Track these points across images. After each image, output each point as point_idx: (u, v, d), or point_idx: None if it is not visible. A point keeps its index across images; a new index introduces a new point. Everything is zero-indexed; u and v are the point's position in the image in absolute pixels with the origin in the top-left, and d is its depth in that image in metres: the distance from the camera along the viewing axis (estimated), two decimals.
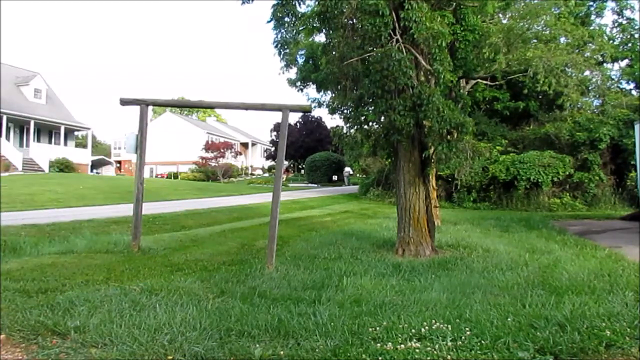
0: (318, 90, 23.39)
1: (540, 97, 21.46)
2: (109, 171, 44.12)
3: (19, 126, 33.21)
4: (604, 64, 21.45)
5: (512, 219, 14.09)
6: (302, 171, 46.12)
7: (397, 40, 7.48)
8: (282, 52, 12.77)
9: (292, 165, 50.66)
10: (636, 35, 22.65)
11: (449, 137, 7.99)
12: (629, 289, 5.17)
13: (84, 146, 39.91)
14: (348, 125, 9.25)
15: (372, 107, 8.37)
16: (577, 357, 3.42)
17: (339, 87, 9.36)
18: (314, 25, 9.72)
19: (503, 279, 6.01)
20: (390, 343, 3.57)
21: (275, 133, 47.62)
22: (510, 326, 3.89)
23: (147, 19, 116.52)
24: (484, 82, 17.77)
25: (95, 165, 42.08)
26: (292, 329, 3.86)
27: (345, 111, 10.50)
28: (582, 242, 9.49)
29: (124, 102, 8.51)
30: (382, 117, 8.23)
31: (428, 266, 7.02)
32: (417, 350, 3.45)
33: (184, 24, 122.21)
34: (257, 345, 3.52)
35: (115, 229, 10.23)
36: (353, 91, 8.66)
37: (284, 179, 38.81)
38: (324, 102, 23.78)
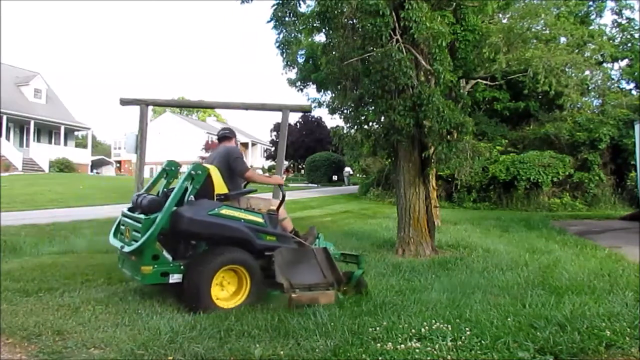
0: (318, 90, 23.31)
1: (540, 97, 21.42)
2: (109, 171, 44.13)
3: (19, 126, 33.20)
4: (604, 64, 21.45)
5: (512, 219, 14.08)
6: (302, 171, 46.05)
7: (397, 40, 7.47)
8: (285, 52, 12.72)
9: (292, 165, 50.61)
10: (636, 35, 22.66)
11: (449, 137, 7.99)
12: (629, 289, 5.18)
13: (84, 146, 39.90)
14: (348, 125, 9.25)
15: (372, 107, 8.37)
16: (577, 357, 3.42)
17: (339, 87, 9.34)
18: (314, 25, 9.71)
19: (503, 279, 6.01)
20: (390, 343, 3.56)
21: (275, 133, 47.52)
22: (510, 326, 3.89)
23: (147, 19, 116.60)
24: (484, 82, 17.74)
25: (95, 165, 42.08)
26: (292, 329, 3.85)
27: (345, 111, 10.47)
28: (582, 242, 9.49)
29: (124, 102, 8.53)
30: (382, 117, 8.23)
31: (428, 266, 7.02)
32: (417, 350, 3.45)
33: (185, 24, 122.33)
34: (257, 345, 3.51)
35: None
36: (353, 91, 8.65)
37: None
38: (324, 102, 23.68)
